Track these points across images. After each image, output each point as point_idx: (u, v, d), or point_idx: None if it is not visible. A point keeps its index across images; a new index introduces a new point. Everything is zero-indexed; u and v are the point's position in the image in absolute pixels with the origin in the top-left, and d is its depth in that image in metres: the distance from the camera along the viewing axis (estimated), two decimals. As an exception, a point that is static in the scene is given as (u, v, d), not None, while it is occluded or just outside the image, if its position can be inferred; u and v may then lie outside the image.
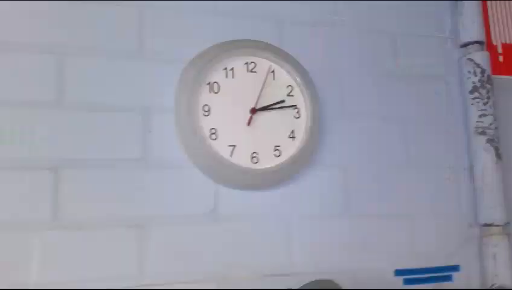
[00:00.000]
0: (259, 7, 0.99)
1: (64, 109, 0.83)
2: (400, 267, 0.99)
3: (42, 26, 0.84)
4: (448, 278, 1.03)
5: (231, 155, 0.89)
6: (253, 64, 0.94)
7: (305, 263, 0.93)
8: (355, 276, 0.96)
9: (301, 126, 0.94)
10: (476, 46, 1.13)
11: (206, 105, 0.89)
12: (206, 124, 0.88)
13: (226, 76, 0.91)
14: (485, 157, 1.07)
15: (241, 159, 0.89)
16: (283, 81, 0.95)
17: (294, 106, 0.95)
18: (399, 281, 0.99)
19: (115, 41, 0.88)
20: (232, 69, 0.92)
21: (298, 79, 0.95)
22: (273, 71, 0.95)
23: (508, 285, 1.02)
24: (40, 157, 0.80)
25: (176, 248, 0.86)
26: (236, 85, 0.92)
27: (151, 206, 0.85)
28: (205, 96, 0.89)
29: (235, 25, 0.96)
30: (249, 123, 0.91)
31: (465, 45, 1.14)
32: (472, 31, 1.14)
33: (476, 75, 1.11)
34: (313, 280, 0.92)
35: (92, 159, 0.83)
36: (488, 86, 1.10)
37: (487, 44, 1.16)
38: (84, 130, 0.83)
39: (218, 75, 0.91)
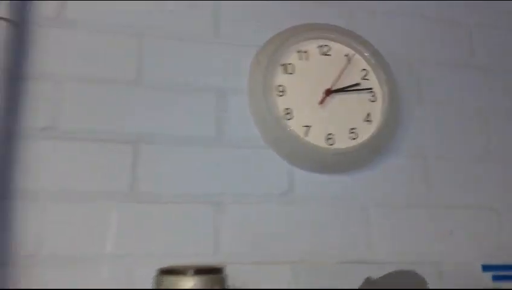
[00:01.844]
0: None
1: (144, 88, 0.85)
2: (486, 262, 0.92)
3: (125, 8, 0.88)
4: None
5: (306, 135, 0.87)
6: (327, 47, 0.93)
7: (385, 252, 0.88)
8: (439, 269, 0.89)
9: (377, 110, 0.92)
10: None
11: (280, 86, 0.89)
12: (281, 104, 0.87)
13: (300, 58, 0.91)
14: None
15: (316, 139, 0.87)
16: (357, 65, 0.94)
17: (369, 89, 0.93)
18: (487, 277, 0.91)
19: (192, 26, 0.91)
20: (306, 51, 0.92)
21: (374, 63, 0.94)
22: (347, 55, 0.94)
23: None
24: (121, 132, 0.82)
25: (249, 226, 0.83)
26: (310, 67, 0.91)
27: (225, 185, 0.84)
28: (279, 77, 0.89)
29: (310, 11, 0.97)
30: (321, 102, 0.90)
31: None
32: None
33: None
34: (394, 270, 0.87)
35: (170, 135, 0.84)
36: None
37: None
38: (162, 108, 0.85)
39: (292, 57, 0.91)
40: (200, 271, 0.65)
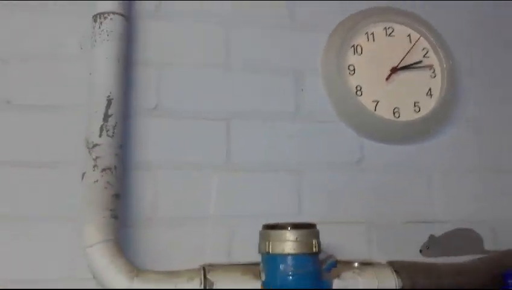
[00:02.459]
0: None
1: (231, 71, 0.96)
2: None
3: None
4: None
5: (375, 109, 0.97)
6: (391, 29, 1.03)
7: (446, 212, 0.99)
8: (493, 226, 1.00)
9: (437, 85, 1.01)
10: None
11: (351, 65, 0.98)
12: (352, 82, 0.98)
13: (368, 39, 1.01)
14: None
15: (384, 112, 0.97)
16: (419, 44, 1.03)
17: (430, 66, 1.02)
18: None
19: (269, 13, 1.01)
20: (372, 33, 1.01)
21: (433, 41, 1.03)
22: (409, 35, 1.03)
23: None
24: (215, 110, 0.94)
25: (326, 191, 0.95)
26: (377, 48, 1.01)
27: (305, 154, 0.96)
28: (350, 58, 0.99)
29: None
30: (387, 78, 0.99)
31: None
32: None
33: None
34: (454, 228, 0.98)
35: (255, 111, 0.95)
36: None
37: None
38: (249, 88, 0.96)
39: (360, 39, 1.00)
40: (298, 226, 0.77)
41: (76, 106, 0.87)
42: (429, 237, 0.96)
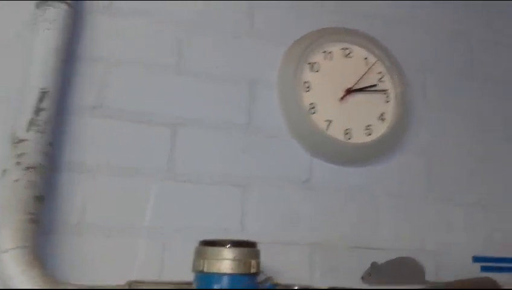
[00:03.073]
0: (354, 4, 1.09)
1: (184, 74, 0.92)
2: (477, 254, 1.02)
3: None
4: (525, 270, 1.05)
5: (327, 129, 0.95)
6: (348, 50, 1.02)
7: (391, 239, 0.98)
8: (435, 257, 0.99)
9: (390, 110, 1.01)
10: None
11: (307, 82, 0.97)
12: (307, 99, 0.95)
13: (325, 58, 1.00)
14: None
15: (336, 133, 0.96)
16: (375, 68, 1.03)
17: (384, 91, 1.02)
18: (476, 268, 1.02)
19: (229, 21, 0.98)
20: (330, 52, 1.00)
21: (389, 67, 1.03)
22: (366, 58, 1.03)
23: None
24: (161, 114, 0.88)
25: (272, 209, 0.91)
26: (334, 67, 1.00)
27: (252, 169, 0.92)
28: (307, 74, 0.97)
29: (334, 17, 1.06)
30: (341, 99, 0.98)
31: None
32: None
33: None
34: (397, 256, 0.96)
35: (204, 120, 0.91)
36: None
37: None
38: (200, 95, 0.92)
39: (318, 57, 0.99)
40: (237, 244, 0.72)
41: (6, 98, 0.79)
42: (371, 264, 0.94)
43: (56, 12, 0.80)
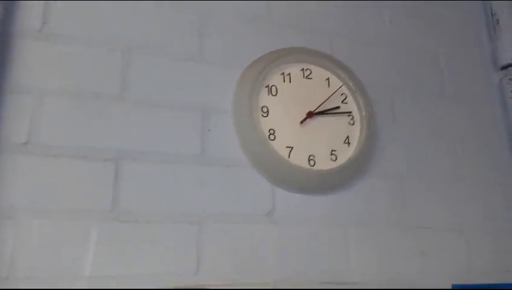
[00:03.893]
0: (314, 22, 1.04)
1: (128, 104, 0.84)
2: (457, 281, 0.95)
3: (110, 23, 0.87)
4: (506, 297, 0.98)
5: (289, 156, 0.88)
6: (308, 71, 0.96)
7: (362, 272, 0.90)
8: (413, 288, 0.92)
9: (356, 133, 0.95)
10: (515, 67, 1.17)
11: (264, 106, 0.90)
12: (265, 124, 0.88)
13: (284, 80, 0.93)
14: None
15: (299, 160, 0.88)
16: (337, 89, 0.96)
17: (348, 113, 0.96)
18: (457, 297, 0.95)
19: (178, 44, 0.91)
20: (289, 74, 0.94)
21: (352, 87, 0.97)
22: (327, 79, 0.97)
23: None
24: (103, 148, 0.79)
25: (231, 246, 0.82)
26: (293, 89, 0.93)
27: (208, 203, 0.83)
28: (264, 98, 0.90)
29: (292, 37, 1.00)
30: (302, 122, 0.91)
31: (505, 67, 1.18)
32: (511, 53, 1.18)
33: (519, 94, 1.13)
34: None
35: (152, 153, 0.82)
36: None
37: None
38: (146, 124, 0.84)
39: (276, 79, 0.93)
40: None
41: None
42: (344, 301, 0.86)
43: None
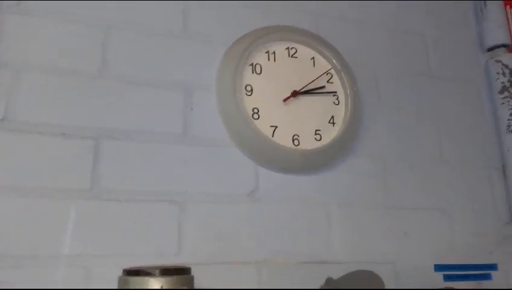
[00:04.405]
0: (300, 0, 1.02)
1: (108, 81, 0.82)
2: (438, 261, 0.96)
3: (93, 2, 0.84)
4: (487, 277, 0.99)
5: (273, 136, 0.87)
6: (294, 49, 0.94)
7: (344, 252, 0.90)
8: (395, 268, 0.92)
9: (340, 113, 0.94)
10: (502, 49, 1.16)
11: (248, 85, 0.88)
12: (249, 103, 0.87)
13: (268, 59, 0.92)
14: (517, 155, 1.07)
15: (283, 140, 0.87)
16: (323, 68, 0.95)
17: (334, 93, 0.95)
18: (439, 277, 0.96)
19: (161, 21, 0.89)
20: (273, 52, 0.92)
21: (338, 67, 0.96)
22: (313, 58, 0.96)
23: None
24: (83, 126, 0.78)
25: (213, 226, 0.82)
26: (278, 68, 0.92)
27: (190, 183, 0.82)
28: (248, 77, 0.89)
29: (277, 15, 0.98)
30: (285, 100, 0.90)
31: (491, 48, 1.17)
32: (498, 35, 1.17)
33: (504, 76, 1.13)
34: (353, 270, 0.89)
35: (134, 131, 0.81)
36: (517, 85, 1.12)
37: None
38: (127, 102, 0.82)
39: (260, 57, 0.91)
40: (166, 272, 0.63)
41: None
42: (326, 280, 0.86)
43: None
